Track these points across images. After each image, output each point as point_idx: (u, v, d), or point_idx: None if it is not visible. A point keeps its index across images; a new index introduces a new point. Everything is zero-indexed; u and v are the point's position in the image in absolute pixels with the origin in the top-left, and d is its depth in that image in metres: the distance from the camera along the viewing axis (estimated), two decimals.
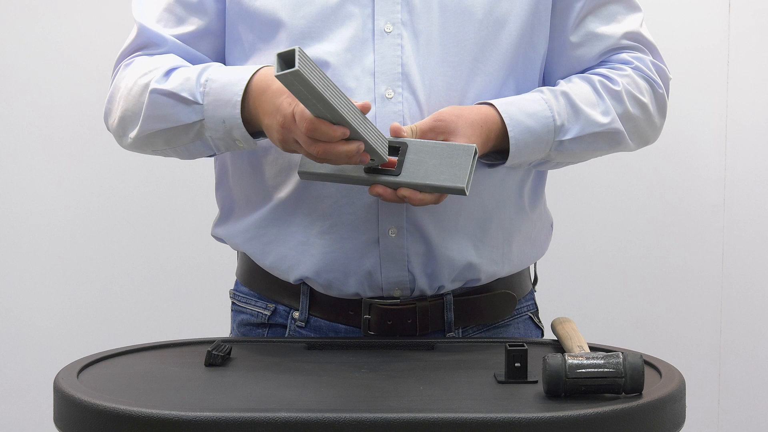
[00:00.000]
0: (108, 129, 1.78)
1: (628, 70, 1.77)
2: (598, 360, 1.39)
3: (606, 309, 2.76)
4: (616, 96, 1.75)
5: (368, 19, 1.69)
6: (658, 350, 1.76)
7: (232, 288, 1.86)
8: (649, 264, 2.77)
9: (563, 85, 1.75)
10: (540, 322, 1.86)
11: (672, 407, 1.40)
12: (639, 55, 1.79)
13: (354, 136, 1.53)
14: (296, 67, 1.40)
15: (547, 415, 1.33)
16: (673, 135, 2.55)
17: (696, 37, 2.72)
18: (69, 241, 2.76)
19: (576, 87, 1.74)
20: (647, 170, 2.73)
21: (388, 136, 1.62)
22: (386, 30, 1.69)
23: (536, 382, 1.45)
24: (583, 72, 1.79)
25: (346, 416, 1.32)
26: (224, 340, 1.64)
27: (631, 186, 2.75)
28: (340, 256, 1.71)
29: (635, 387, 1.38)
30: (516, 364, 1.47)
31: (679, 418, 1.42)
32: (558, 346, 1.67)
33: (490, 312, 1.79)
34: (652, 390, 1.41)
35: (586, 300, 2.75)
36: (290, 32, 1.69)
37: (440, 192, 1.61)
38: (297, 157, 1.68)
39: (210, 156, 1.75)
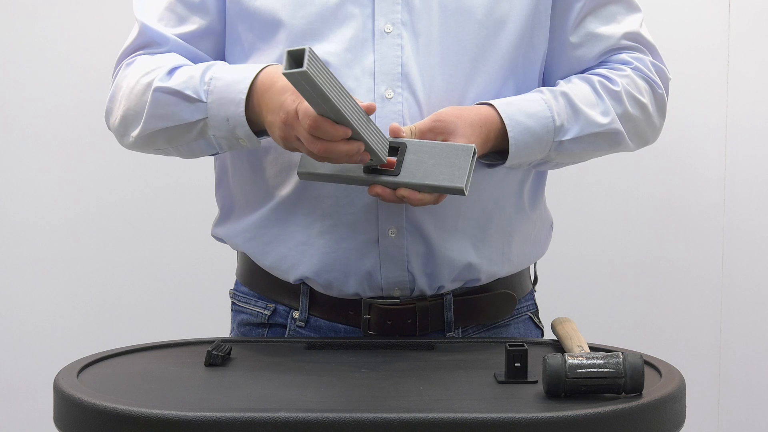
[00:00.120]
0: (109, 128, 1.78)
1: (628, 71, 1.77)
2: (598, 360, 1.39)
3: (606, 309, 2.76)
4: (615, 96, 1.75)
5: (368, 19, 1.69)
6: (658, 350, 1.76)
7: (232, 288, 1.86)
8: (649, 264, 2.77)
9: (563, 85, 1.75)
10: (540, 322, 1.86)
11: (672, 407, 1.40)
12: (639, 55, 1.79)
13: (355, 137, 1.53)
14: (304, 68, 1.41)
15: (547, 415, 1.33)
16: (673, 135, 2.55)
17: (696, 37, 2.72)
18: (69, 241, 2.76)
19: (576, 87, 1.74)
20: (647, 170, 2.73)
21: (387, 136, 1.62)
22: (386, 30, 1.69)
23: (536, 382, 1.45)
24: (582, 72, 1.79)
25: (346, 416, 1.32)
26: (224, 340, 1.64)
27: (631, 186, 2.75)
28: (339, 256, 1.71)
29: (635, 387, 1.38)
30: (516, 364, 1.47)
31: (679, 418, 1.42)
32: (558, 346, 1.67)
33: (490, 312, 1.79)
34: (652, 390, 1.41)
35: (586, 300, 2.75)
36: (290, 32, 1.69)
37: (439, 192, 1.61)
38: (297, 157, 1.68)
39: (212, 155, 1.75)
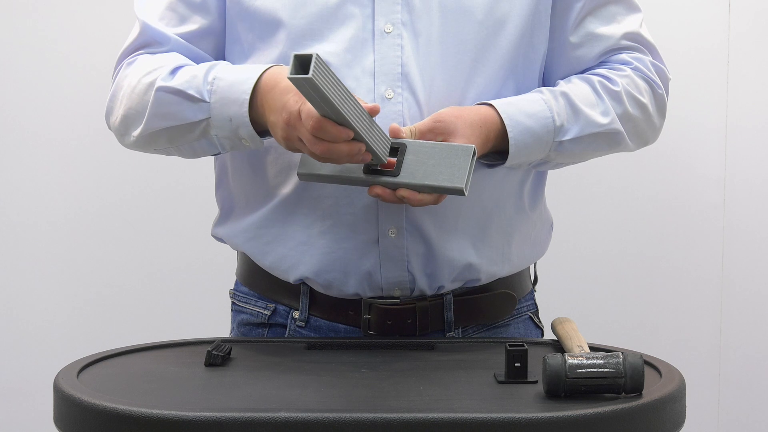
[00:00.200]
0: (109, 128, 1.78)
1: (628, 71, 1.77)
2: (598, 360, 1.39)
3: (606, 309, 2.76)
4: (615, 96, 1.75)
5: (368, 19, 1.69)
6: (658, 350, 1.76)
7: (232, 288, 1.86)
8: (649, 264, 2.77)
9: (563, 85, 1.75)
10: (540, 322, 1.86)
11: (672, 407, 1.40)
12: (638, 55, 1.79)
13: (357, 138, 1.53)
14: (310, 75, 1.41)
15: (547, 415, 1.33)
16: (673, 135, 2.55)
17: (696, 37, 2.72)
18: (69, 241, 2.76)
19: (575, 87, 1.74)
20: (647, 170, 2.73)
21: (389, 137, 1.62)
22: (386, 30, 1.69)
23: (536, 382, 1.45)
24: (582, 72, 1.79)
25: (346, 416, 1.32)
26: (224, 340, 1.64)
27: (631, 186, 2.75)
28: (339, 256, 1.71)
29: (635, 387, 1.38)
30: (516, 364, 1.47)
31: (679, 418, 1.42)
32: (558, 346, 1.67)
33: (490, 312, 1.79)
34: (652, 390, 1.41)
35: (586, 300, 2.75)
36: (290, 32, 1.69)
37: (439, 192, 1.61)
38: (297, 158, 1.68)
39: (214, 155, 1.75)
